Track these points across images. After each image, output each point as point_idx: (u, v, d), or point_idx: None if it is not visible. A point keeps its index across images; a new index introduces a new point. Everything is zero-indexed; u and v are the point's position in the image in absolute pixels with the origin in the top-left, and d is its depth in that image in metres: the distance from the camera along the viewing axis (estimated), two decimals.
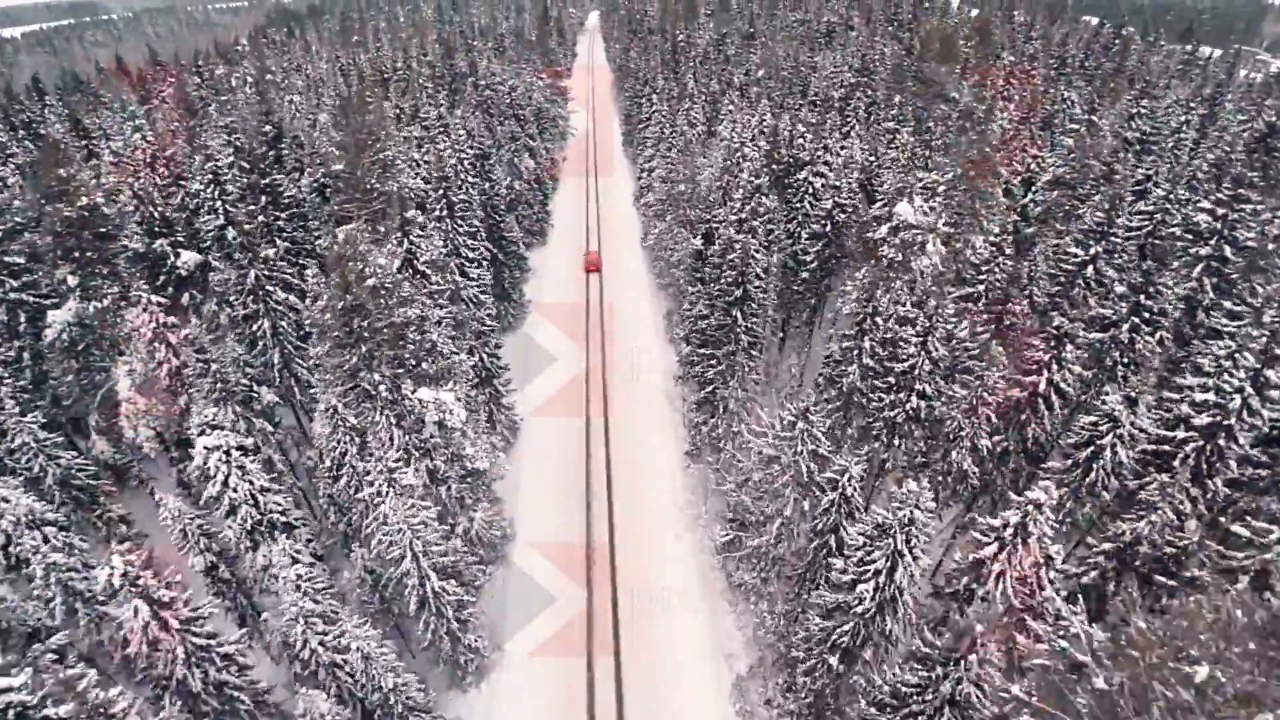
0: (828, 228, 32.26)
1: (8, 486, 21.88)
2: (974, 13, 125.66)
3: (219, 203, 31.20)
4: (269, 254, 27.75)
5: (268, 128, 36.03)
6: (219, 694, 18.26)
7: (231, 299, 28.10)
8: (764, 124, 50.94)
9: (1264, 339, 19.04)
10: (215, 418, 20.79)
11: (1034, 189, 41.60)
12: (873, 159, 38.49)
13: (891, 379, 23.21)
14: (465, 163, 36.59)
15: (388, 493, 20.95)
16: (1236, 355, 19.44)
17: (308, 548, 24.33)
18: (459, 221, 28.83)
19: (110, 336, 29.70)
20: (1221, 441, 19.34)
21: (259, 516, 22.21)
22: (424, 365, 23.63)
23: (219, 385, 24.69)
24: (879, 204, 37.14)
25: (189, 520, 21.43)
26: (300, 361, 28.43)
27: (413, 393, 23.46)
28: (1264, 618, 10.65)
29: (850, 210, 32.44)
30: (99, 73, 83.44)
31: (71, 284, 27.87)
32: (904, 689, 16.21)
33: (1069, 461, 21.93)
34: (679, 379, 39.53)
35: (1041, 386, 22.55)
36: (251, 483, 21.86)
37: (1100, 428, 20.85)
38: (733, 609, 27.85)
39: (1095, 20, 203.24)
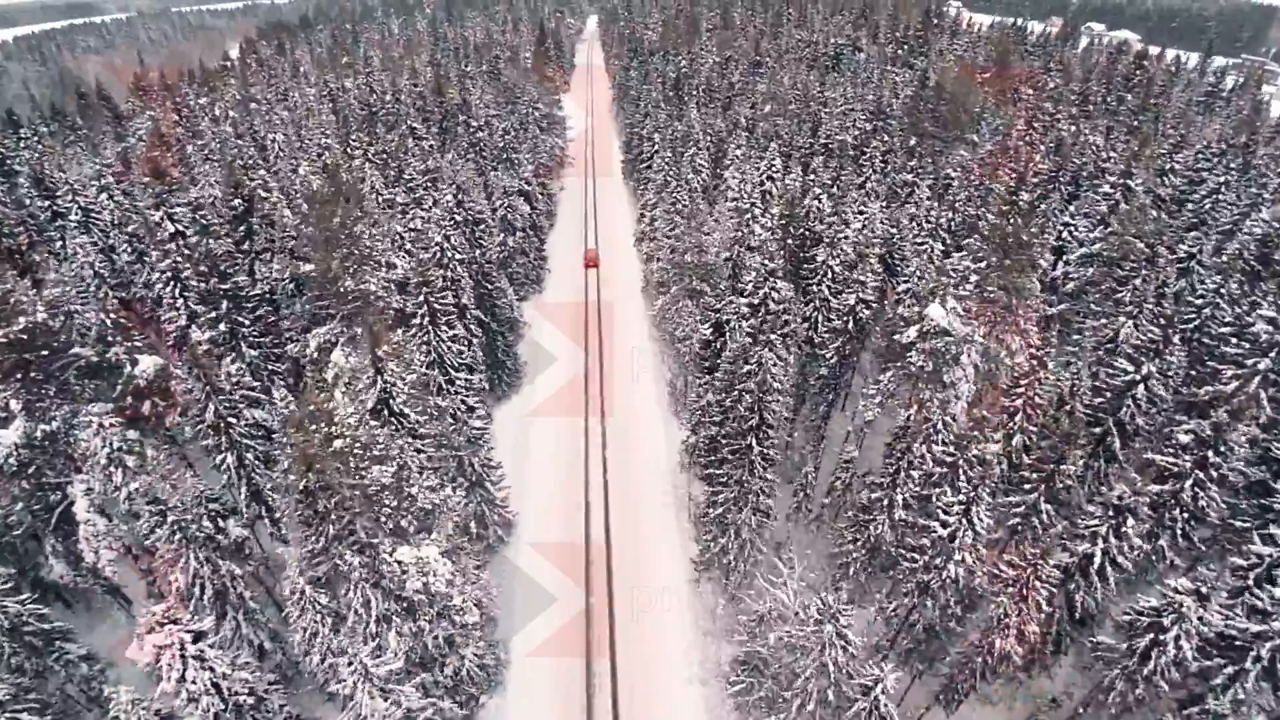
0: (850, 324, 29.53)
1: None
2: (984, 23, 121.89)
3: (180, 299, 28.52)
4: (231, 370, 24.98)
5: (236, 202, 33.29)
6: None
7: (195, 422, 25.39)
8: (773, 170, 48.25)
9: None
10: (170, 613, 18.11)
11: (1065, 259, 39.03)
12: (894, 230, 35.70)
13: (927, 540, 20.56)
14: (452, 239, 33.84)
15: (364, 689, 18.34)
16: None
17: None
18: (443, 329, 26.16)
19: (64, 453, 27.04)
20: None
21: (223, 705, 19.60)
22: (403, 522, 20.95)
23: (178, 536, 22.01)
24: (905, 295, 34.42)
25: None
26: (273, 493, 25.72)
27: (391, 554, 20.78)
28: None
29: (874, 306, 29.67)
30: (79, 98, 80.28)
31: (15, 407, 25.12)
32: None
33: (1125, 646, 19.26)
34: (683, 466, 36.97)
35: (1096, 558, 19.88)
36: (213, 670, 19.24)
37: (1164, 618, 18.17)
38: None
39: (1111, 35, 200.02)
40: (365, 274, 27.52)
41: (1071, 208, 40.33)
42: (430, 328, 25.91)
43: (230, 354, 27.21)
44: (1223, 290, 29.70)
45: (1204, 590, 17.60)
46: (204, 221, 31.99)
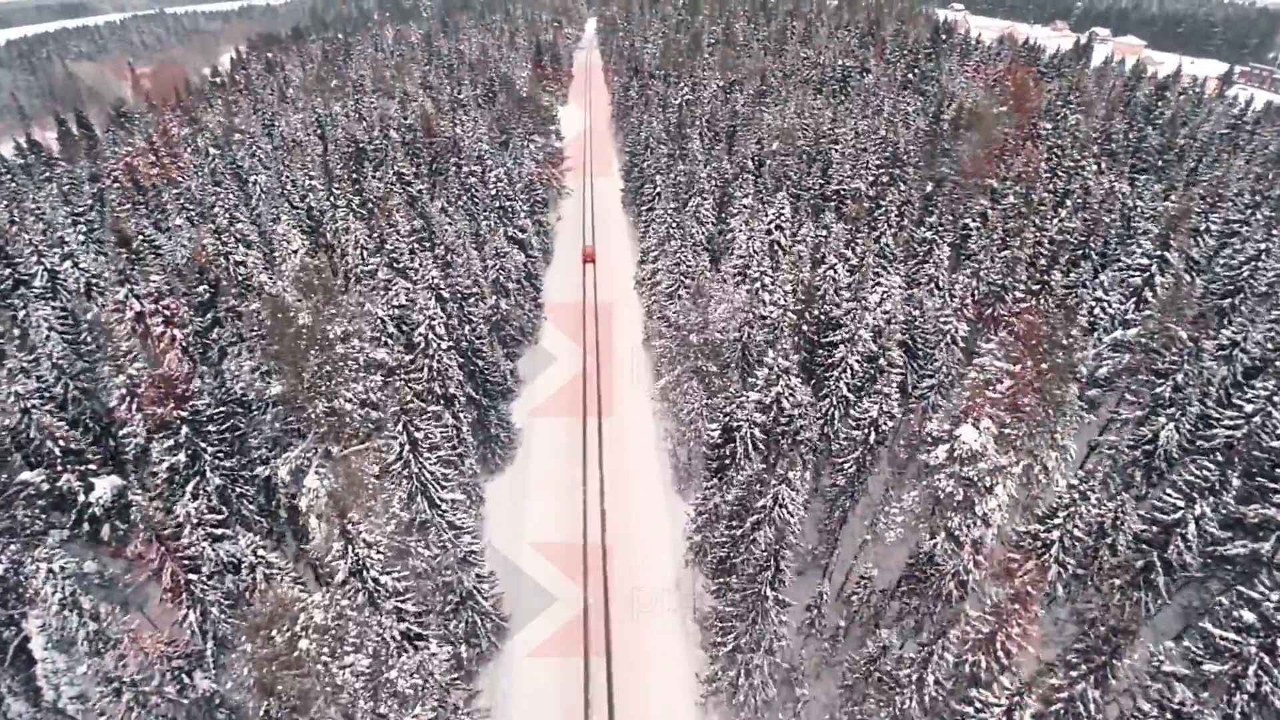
0: (871, 436, 27.02)
1: None
2: (990, 34, 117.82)
3: (137, 414, 25.99)
4: (190, 509, 22.46)
5: (201, 288, 30.76)
6: None
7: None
8: (781, 219, 45.62)
9: None
10: None
11: (1097, 338, 36.48)
12: (916, 312, 33.12)
13: None
14: (437, 328, 31.29)
15: None
16: None
17: None
18: (425, 458, 23.64)
19: (15, 589, 24.62)
20: None
21: None
22: (381, 708, 18.49)
23: (135, 714, 19.61)
24: (929, 397, 31.97)
25: None
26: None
27: None
28: None
29: (897, 415, 27.12)
30: (61, 129, 77.45)
31: None
32: None
33: None
34: (688, 563, 34.48)
35: None
36: None
37: None
38: None
39: (1116, 41, 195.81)
40: (339, 388, 25.00)
41: (1103, 278, 37.80)
42: (411, 457, 23.42)
43: (195, 478, 24.68)
44: (1276, 399, 27.17)
45: None
46: (167, 312, 29.39)
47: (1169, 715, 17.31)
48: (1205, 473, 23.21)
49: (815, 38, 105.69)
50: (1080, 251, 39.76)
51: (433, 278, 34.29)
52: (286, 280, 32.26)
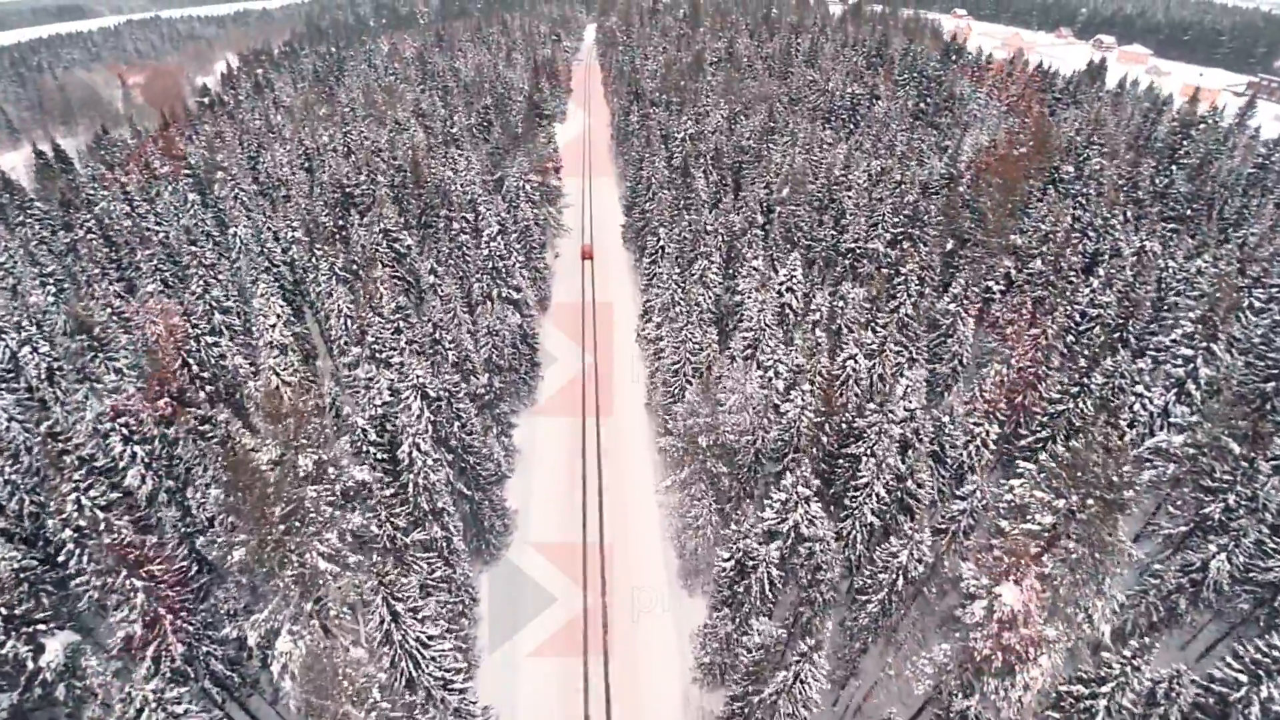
0: (898, 582, 24.39)
1: None
2: (997, 51, 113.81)
3: (86, 568, 23.40)
4: (148, 691, 19.87)
5: (162, 401, 28.11)
6: None
7: None
8: (794, 281, 43.00)
9: None
10: None
11: (1136, 439, 33.85)
12: (945, 419, 30.43)
13: None
14: (425, 441, 28.68)
15: None
16: None
17: None
18: (408, 625, 21.12)
19: None
20: None
21: None
22: None
23: None
24: (961, 537, 29.22)
25: None
26: None
27: None
28: None
29: (926, 561, 24.48)
30: (39, 160, 74.62)
31: None
32: None
33: None
34: (696, 680, 31.96)
35: None
36: None
37: None
38: None
39: (1122, 49, 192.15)
40: (310, 541, 22.38)
41: (1141, 366, 35.08)
42: (392, 625, 20.90)
43: (155, 642, 22.11)
44: None
45: None
46: (127, 430, 26.75)
47: None
48: (1276, 653, 20.58)
49: (821, 56, 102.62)
50: (1117, 334, 37.03)
51: (418, 376, 31.64)
52: (256, 398, 29.56)
